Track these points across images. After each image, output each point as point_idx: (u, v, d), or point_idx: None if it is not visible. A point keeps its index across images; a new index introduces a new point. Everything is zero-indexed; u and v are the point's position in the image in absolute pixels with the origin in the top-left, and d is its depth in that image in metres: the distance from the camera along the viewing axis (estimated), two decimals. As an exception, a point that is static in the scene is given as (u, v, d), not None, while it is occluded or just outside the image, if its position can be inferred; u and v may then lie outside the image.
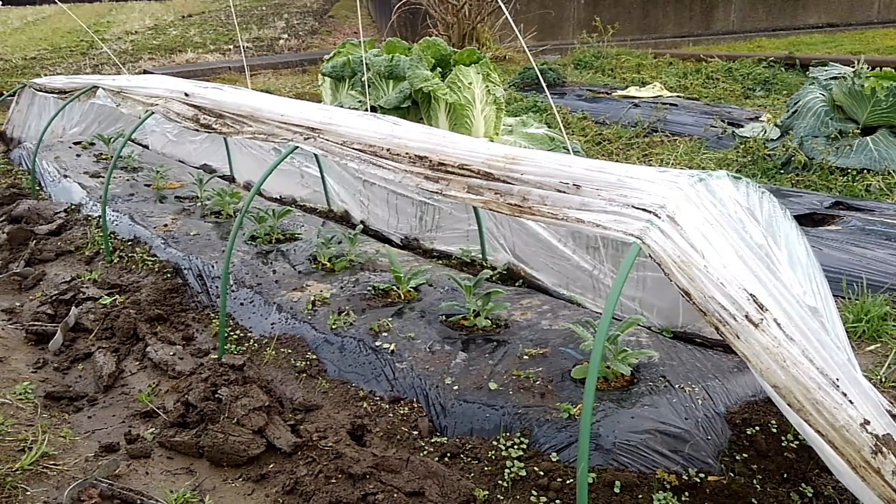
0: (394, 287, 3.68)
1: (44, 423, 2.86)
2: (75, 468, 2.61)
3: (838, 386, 1.74)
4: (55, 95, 6.61)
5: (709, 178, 2.06)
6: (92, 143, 7.49)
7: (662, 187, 1.99)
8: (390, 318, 3.36)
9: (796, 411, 1.75)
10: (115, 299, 3.95)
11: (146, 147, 7.62)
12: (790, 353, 1.74)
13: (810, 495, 2.31)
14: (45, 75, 10.73)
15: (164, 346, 3.48)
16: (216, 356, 3.35)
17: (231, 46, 15.76)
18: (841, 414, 1.71)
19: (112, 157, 6.19)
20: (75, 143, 7.59)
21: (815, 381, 1.73)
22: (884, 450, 1.69)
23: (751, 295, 1.78)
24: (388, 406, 2.86)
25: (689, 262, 1.81)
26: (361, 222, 4.90)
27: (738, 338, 1.77)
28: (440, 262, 4.29)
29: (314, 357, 3.26)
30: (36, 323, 3.73)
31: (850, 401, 1.73)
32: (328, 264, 4.09)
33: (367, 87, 6.41)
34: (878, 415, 1.75)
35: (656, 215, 1.90)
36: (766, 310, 1.77)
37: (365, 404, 2.90)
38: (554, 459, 2.41)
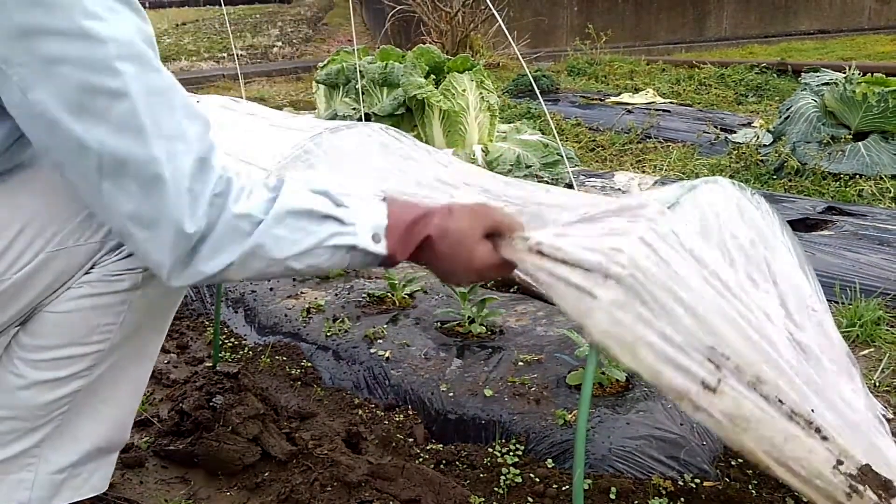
0: (389, 294, 3.68)
1: (37, 432, 2.84)
2: (69, 478, 2.59)
3: (811, 422, 1.57)
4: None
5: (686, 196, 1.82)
6: (85, 152, 7.47)
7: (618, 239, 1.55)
8: (385, 325, 3.36)
9: (764, 468, 1.58)
10: (109, 308, 3.93)
11: (140, 155, 7.61)
12: (752, 409, 1.52)
13: (805, 500, 2.31)
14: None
15: (159, 354, 3.46)
16: (210, 364, 3.34)
17: (225, 54, 15.75)
18: (810, 461, 1.56)
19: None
20: (69, 152, 7.57)
21: (783, 432, 1.54)
22: (859, 488, 1.60)
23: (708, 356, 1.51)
24: (383, 413, 2.85)
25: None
26: (356, 229, 4.89)
27: (698, 409, 1.52)
28: (435, 268, 4.29)
29: (309, 364, 3.25)
30: (29, 332, 3.71)
31: (824, 437, 1.58)
32: (323, 271, 4.08)
33: (360, 94, 6.43)
34: (857, 441, 1.63)
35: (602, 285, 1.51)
36: (724, 367, 1.51)
37: (360, 412, 2.89)
38: (550, 466, 2.41)
